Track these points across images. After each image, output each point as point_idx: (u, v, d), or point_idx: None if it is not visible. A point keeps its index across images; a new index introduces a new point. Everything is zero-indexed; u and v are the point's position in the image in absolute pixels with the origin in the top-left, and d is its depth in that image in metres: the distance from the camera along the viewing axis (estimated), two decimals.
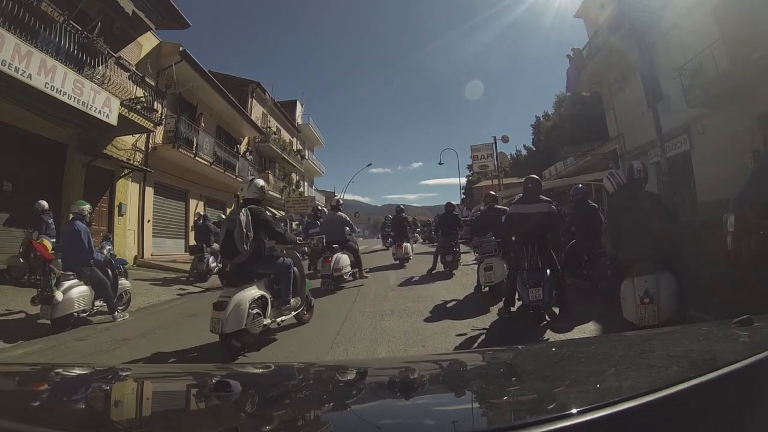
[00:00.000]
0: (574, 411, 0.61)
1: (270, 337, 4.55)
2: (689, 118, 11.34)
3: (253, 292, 4.22)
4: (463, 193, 47.75)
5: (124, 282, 6.79)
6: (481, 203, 23.37)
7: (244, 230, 4.26)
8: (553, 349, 1.62)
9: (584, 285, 6.25)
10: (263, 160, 22.53)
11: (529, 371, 1.19)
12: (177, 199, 14.41)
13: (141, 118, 10.56)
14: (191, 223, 13.90)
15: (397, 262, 10.84)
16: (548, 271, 4.76)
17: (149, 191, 12.58)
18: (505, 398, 0.93)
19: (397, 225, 12.30)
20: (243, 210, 4.46)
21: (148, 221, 12.47)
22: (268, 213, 4.87)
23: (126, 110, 9.97)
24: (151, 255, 12.43)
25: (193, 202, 15.12)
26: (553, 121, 34.18)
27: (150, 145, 12.59)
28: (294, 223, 24.82)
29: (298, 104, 32.10)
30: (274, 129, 23.87)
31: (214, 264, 11.02)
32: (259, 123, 21.33)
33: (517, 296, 4.87)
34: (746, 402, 0.75)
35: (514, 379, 1.13)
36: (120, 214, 11.30)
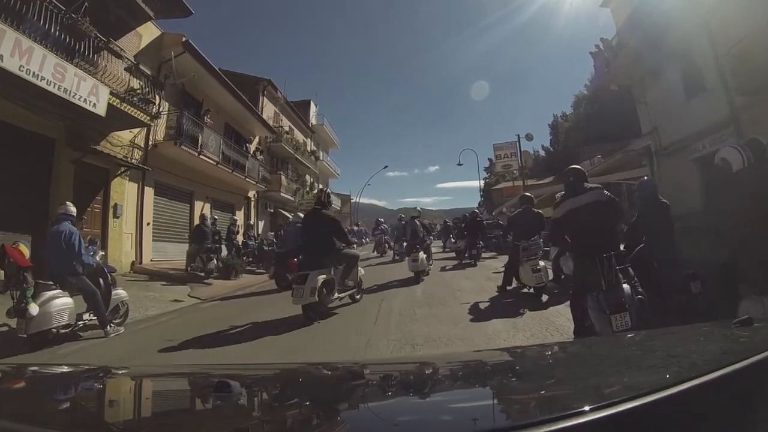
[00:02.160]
0: (574, 411, 0.61)
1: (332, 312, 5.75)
2: (736, 108, 9.90)
3: (324, 275, 5.60)
4: (481, 196, 47.04)
5: (120, 292, 5.96)
6: (503, 206, 22.16)
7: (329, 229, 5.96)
8: (554, 350, 1.63)
9: (656, 301, 4.80)
10: (275, 160, 21.61)
11: (530, 371, 1.19)
12: (181, 200, 13.48)
13: (136, 111, 9.63)
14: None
15: (412, 275, 8.73)
16: (627, 287, 3.58)
17: (149, 192, 11.66)
18: (505, 398, 0.93)
19: (411, 231, 9.87)
20: (322, 214, 6.07)
21: (148, 224, 11.54)
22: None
23: (118, 101, 9.05)
24: (151, 260, 11.49)
25: (198, 204, 14.18)
26: (572, 122, 33.24)
27: (150, 142, 11.69)
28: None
29: (312, 104, 31.21)
30: (287, 129, 22.97)
31: (213, 265, 10.22)
32: (270, 122, 20.44)
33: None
34: (746, 402, 0.74)
35: (514, 379, 1.12)
36: (115, 216, 10.38)
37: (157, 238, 12.04)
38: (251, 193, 18.67)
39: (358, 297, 6.51)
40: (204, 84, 14.14)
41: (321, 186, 30.94)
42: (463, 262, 11.89)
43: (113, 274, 8.05)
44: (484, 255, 12.73)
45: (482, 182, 48.16)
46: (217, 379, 0.85)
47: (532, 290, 6.33)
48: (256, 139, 19.47)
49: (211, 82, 14.10)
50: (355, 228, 28.03)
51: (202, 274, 10.12)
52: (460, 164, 29.26)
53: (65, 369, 1.51)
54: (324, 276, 5.57)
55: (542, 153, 36.82)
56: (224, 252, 12.26)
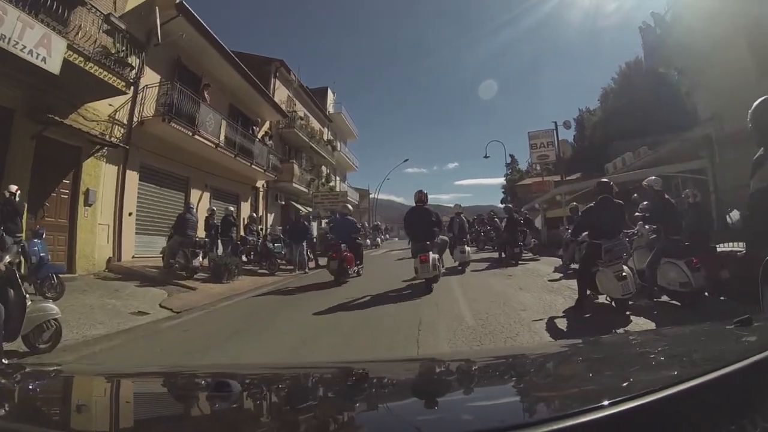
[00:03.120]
0: (574, 411, 0.60)
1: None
2: None
3: (435, 255, 7.12)
4: (503, 192, 45.16)
5: (46, 307, 4.24)
6: (533, 202, 19.82)
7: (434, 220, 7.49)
8: (554, 350, 1.68)
9: None
10: (287, 148, 19.80)
11: (530, 371, 1.19)
12: (173, 187, 11.74)
13: (107, 74, 7.89)
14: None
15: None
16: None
17: (132, 176, 9.94)
18: (505, 398, 0.92)
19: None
20: (426, 209, 7.56)
21: (130, 214, 9.83)
22: None
23: (82, 59, 7.30)
24: (133, 257, 9.79)
25: (195, 193, 12.43)
26: (599, 116, 31.25)
27: (136, 118, 9.98)
28: (323, 221, 22.31)
29: (330, 92, 29.36)
30: (301, 115, 21.10)
31: (199, 261, 8.49)
32: (283, 107, 18.67)
33: None
34: (746, 402, 0.74)
35: (514, 379, 1.12)
36: (87, 204, 8.66)
37: (143, 231, 10.34)
38: (260, 183, 16.91)
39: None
40: (204, 57, 12.38)
41: (337, 177, 29.20)
42: (501, 258, 10.96)
43: (61, 275, 6.41)
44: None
45: (504, 179, 46.55)
46: (217, 379, 0.87)
47: (612, 303, 4.97)
48: (266, 124, 17.68)
49: (211, 54, 12.33)
50: (376, 224, 26.24)
51: (185, 273, 8.35)
52: (486, 156, 26.90)
53: (64, 370, 1.55)
54: (436, 256, 7.18)
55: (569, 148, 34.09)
56: (221, 248, 10.54)
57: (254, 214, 13.64)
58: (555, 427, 0.56)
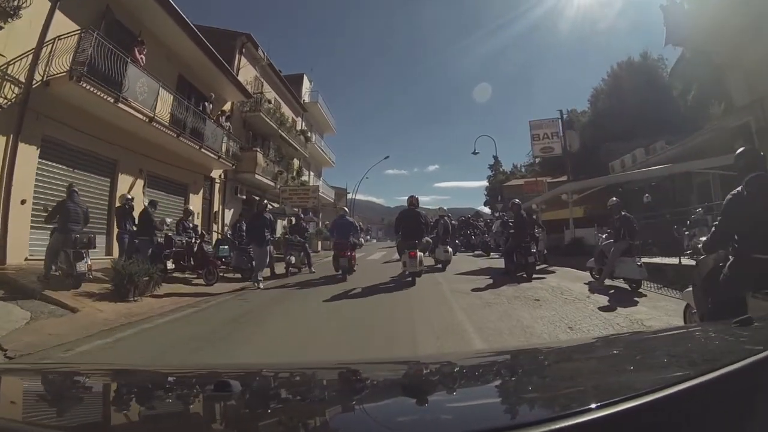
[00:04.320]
0: (574, 411, 0.60)
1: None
2: None
3: (421, 253, 8.45)
4: (486, 195, 44.30)
5: None
6: (531, 202, 18.01)
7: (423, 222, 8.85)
8: (554, 350, 1.62)
9: None
10: (251, 134, 17.36)
11: (530, 371, 1.18)
12: (94, 171, 9.28)
13: None
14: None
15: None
16: None
17: (28, 152, 7.51)
18: (505, 398, 0.92)
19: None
20: (416, 212, 8.77)
21: (23, 202, 7.42)
22: None
23: None
24: (26, 259, 7.40)
25: (125, 180, 10.01)
26: (588, 117, 30.32)
27: (39, 76, 7.60)
28: (289, 220, 20.14)
29: (306, 79, 27.06)
30: (271, 100, 18.76)
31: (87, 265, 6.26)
32: (249, 89, 16.37)
33: None
34: (746, 402, 0.74)
35: (514, 379, 1.11)
36: None
37: (44, 226, 7.92)
38: (216, 173, 14.54)
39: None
40: (145, 12, 10.02)
41: (311, 173, 26.87)
42: (510, 271, 8.69)
43: None
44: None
45: (487, 182, 45.36)
46: (217, 379, 0.86)
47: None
48: (228, 105, 15.32)
49: (154, 10, 9.98)
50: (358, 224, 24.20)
51: (70, 282, 6.07)
52: (476, 153, 25.99)
53: (63, 369, 1.54)
54: (422, 254, 8.63)
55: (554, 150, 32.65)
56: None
57: (189, 207, 10.88)
58: (555, 426, 0.56)
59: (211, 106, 12.43)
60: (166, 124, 10.06)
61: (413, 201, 8.82)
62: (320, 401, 0.95)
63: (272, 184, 17.55)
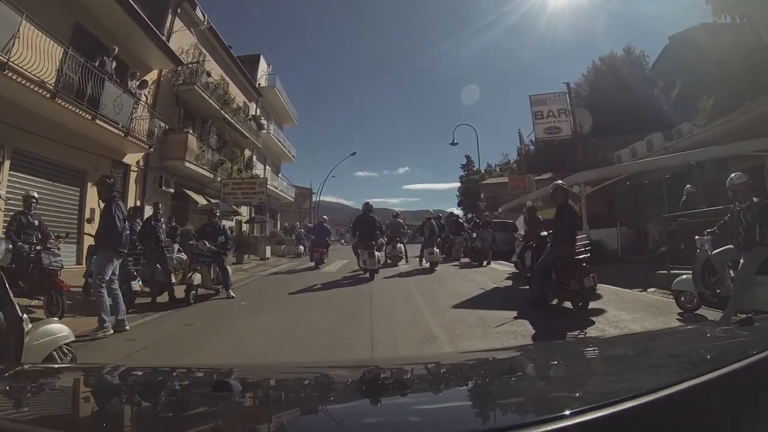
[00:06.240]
0: (574, 411, 0.60)
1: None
2: None
3: (379, 253, 10.10)
4: (458, 196, 42.95)
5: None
6: (520, 199, 15.85)
7: (378, 226, 10.44)
8: (554, 349, 1.61)
9: None
10: (183, 111, 14.18)
11: (530, 371, 1.17)
12: None
13: None
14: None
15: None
16: None
17: None
18: (504, 398, 0.90)
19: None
20: (372, 217, 10.31)
21: None
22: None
23: None
24: None
25: None
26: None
27: None
28: (233, 223, 17.47)
29: (263, 61, 24.06)
30: (215, 76, 15.76)
31: None
32: (187, 60, 13.43)
33: None
34: (746, 402, 0.73)
35: (514, 379, 1.09)
36: None
37: None
38: (132, 158, 11.47)
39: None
40: None
41: (266, 167, 23.88)
42: (538, 300, 5.68)
43: None
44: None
45: (459, 183, 43.78)
46: (217, 379, 0.86)
47: None
48: (153, 73, 12.31)
49: None
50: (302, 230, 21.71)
51: None
52: (455, 143, 24.89)
53: (64, 369, 1.54)
54: (381, 253, 10.42)
55: (531, 148, 30.84)
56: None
57: (31, 192, 6.39)
58: (554, 426, 0.55)
59: (114, 63, 9.39)
60: (34, 77, 7.09)
61: (368, 207, 10.43)
62: (321, 401, 0.94)
63: (210, 175, 14.60)
